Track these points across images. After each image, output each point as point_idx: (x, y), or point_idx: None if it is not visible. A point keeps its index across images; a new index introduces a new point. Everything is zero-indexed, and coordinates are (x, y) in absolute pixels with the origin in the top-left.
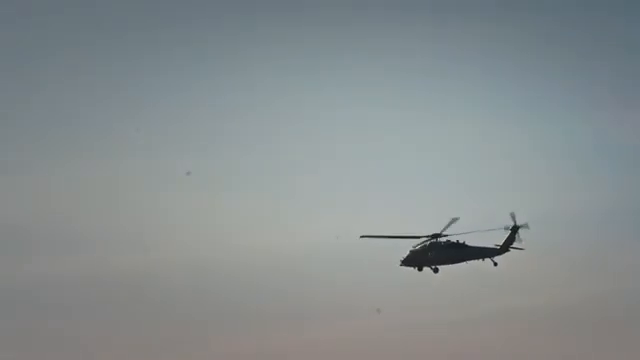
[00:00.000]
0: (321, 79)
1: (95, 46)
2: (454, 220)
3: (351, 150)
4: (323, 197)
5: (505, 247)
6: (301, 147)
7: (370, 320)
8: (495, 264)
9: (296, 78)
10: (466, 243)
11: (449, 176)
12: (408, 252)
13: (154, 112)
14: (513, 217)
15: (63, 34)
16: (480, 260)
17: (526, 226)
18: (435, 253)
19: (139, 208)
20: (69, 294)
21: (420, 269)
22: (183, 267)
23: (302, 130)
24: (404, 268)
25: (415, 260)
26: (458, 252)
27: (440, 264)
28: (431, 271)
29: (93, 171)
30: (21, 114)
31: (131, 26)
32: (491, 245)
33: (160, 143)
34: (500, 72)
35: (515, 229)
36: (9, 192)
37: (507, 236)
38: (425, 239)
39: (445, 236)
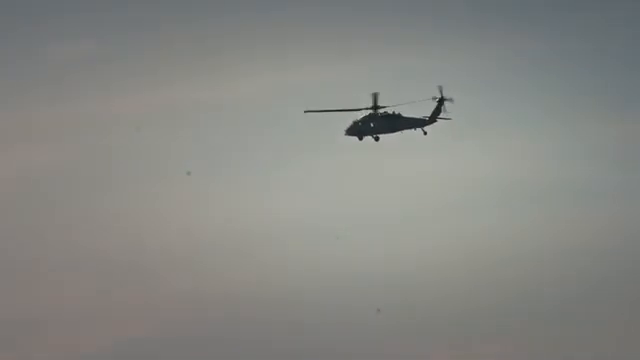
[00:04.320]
0: None
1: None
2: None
3: None
4: None
5: (433, 118)
6: None
7: None
8: (425, 133)
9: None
10: (401, 114)
11: None
12: (351, 123)
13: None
14: (440, 90)
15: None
16: (413, 130)
17: (451, 100)
18: (374, 123)
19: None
20: None
21: (361, 138)
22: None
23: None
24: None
25: (357, 130)
26: (394, 122)
27: (379, 133)
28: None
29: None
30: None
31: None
32: (422, 116)
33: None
34: None
35: (441, 101)
36: None
37: (434, 108)
38: (366, 111)
39: (384, 107)
